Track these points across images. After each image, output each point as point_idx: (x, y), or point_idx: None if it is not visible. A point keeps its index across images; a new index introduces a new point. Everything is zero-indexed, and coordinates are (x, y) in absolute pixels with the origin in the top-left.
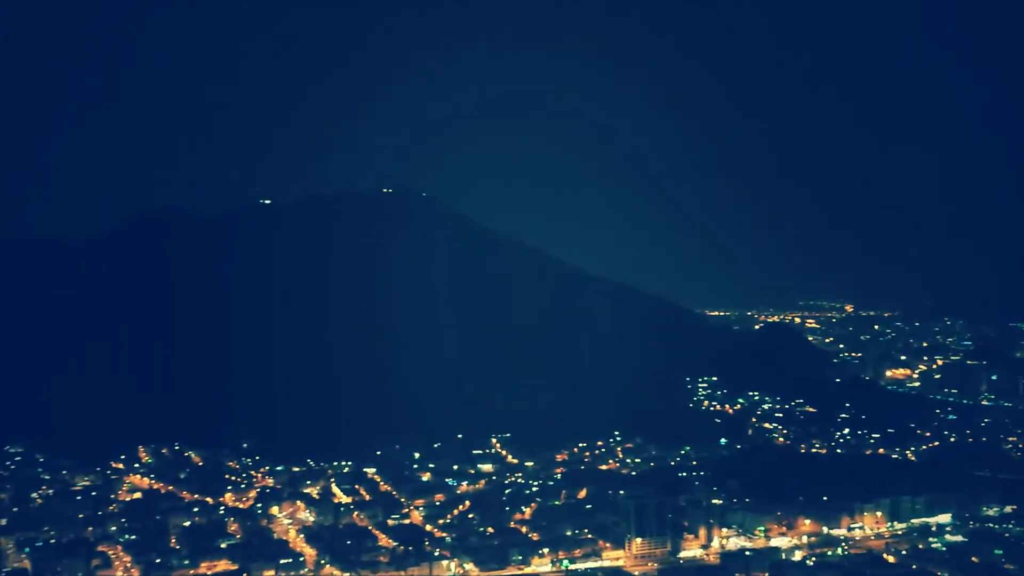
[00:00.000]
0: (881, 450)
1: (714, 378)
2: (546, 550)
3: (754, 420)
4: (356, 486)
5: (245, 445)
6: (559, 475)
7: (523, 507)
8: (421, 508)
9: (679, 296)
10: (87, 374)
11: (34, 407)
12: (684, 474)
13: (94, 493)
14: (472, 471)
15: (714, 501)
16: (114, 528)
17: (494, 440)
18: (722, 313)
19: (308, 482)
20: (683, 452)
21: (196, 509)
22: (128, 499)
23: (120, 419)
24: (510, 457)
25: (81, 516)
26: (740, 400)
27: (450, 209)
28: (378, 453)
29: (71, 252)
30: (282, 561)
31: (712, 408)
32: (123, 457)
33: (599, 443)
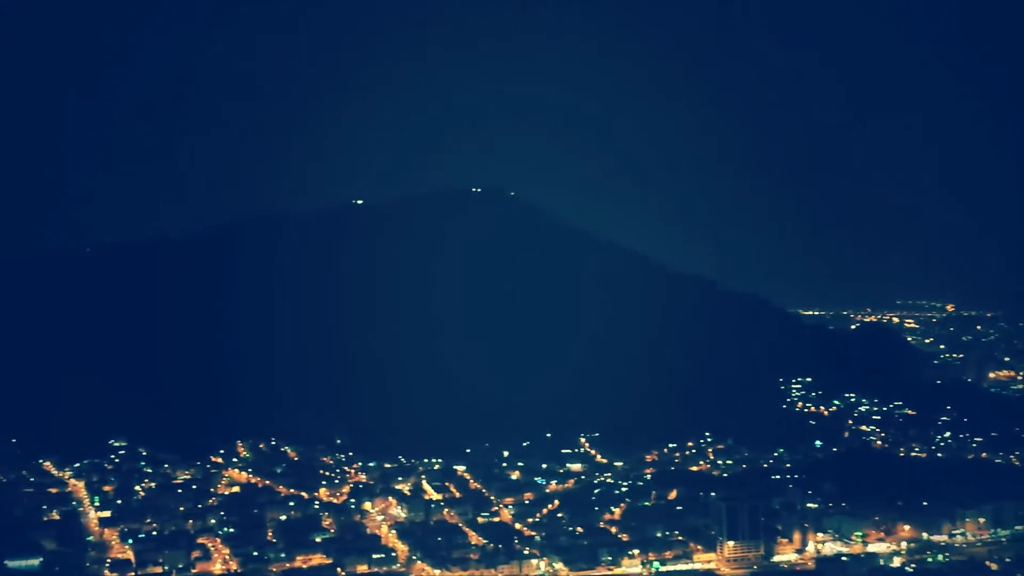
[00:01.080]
0: (984, 454)
1: (808, 379)
2: (636, 551)
3: (851, 422)
4: (446, 483)
5: (339, 441)
6: (649, 476)
7: (612, 507)
8: (510, 506)
9: (772, 294)
10: (188, 370)
11: (137, 402)
12: (777, 477)
13: (194, 486)
14: (561, 470)
15: (809, 505)
16: (213, 521)
17: (583, 439)
18: (817, 312)
19: (400, 478)
20: (776, 454)
21: (292, 503)
22: (227, 493)
23: (219, 414)
24: (599, 457)
25: (182, 509)
26: (836, 402)
27: (538, 208)
28: (468, 451)
29: (175, 251)
30: (374, 556)
31: (807, 410)
32: (222, 451)
33: (689, 444)
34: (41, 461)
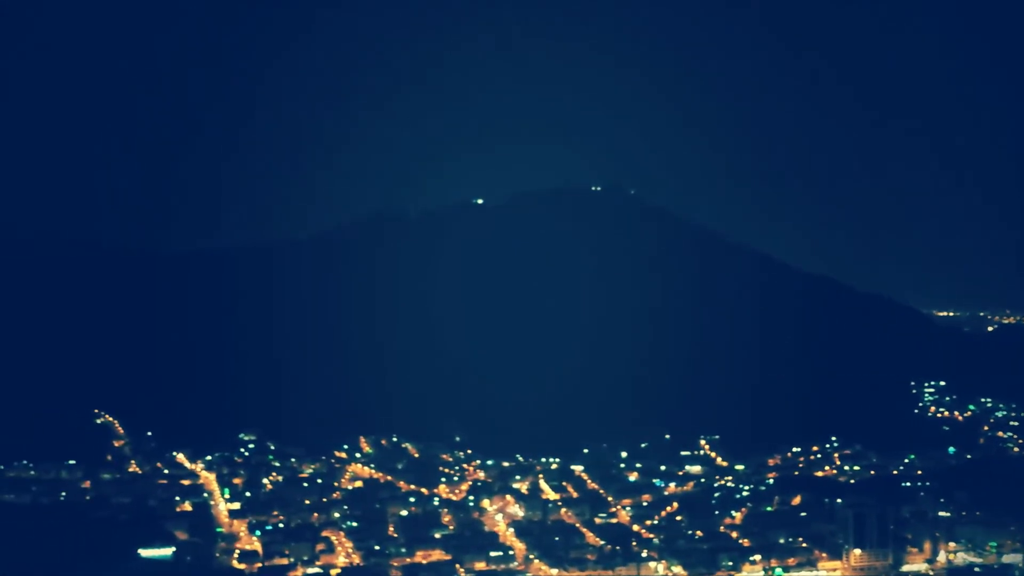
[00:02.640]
0: None
1: (942, 382)
2: (758, 557)
3: (986, 428)
4: (564, 483)
5: (458, 439)
6: (771, 480)
7: (733, 511)
8: (628, 508)
9: (904, 295)
10: (313, 368)
11: (266, 398)
12: (908, 484)
13: (319, 480)
14: (680, 472)
15: (941, 513)
16: (337, 515)
17: (703, 442)
18: (951, 314)
19: (517, 477)
20: (907, 460)
21: (412, 499)
22: (350, 487)
23: (344, 410)
24: (720, 459)
25: (307, 502)
26: (971, 407)
27: (659, 207)
28: (585, 451)
29: (300, 250)
30: (492, 554)
31: (940, 414)
32: (346, 447)
33: (815, 448)
34: (174, 454)
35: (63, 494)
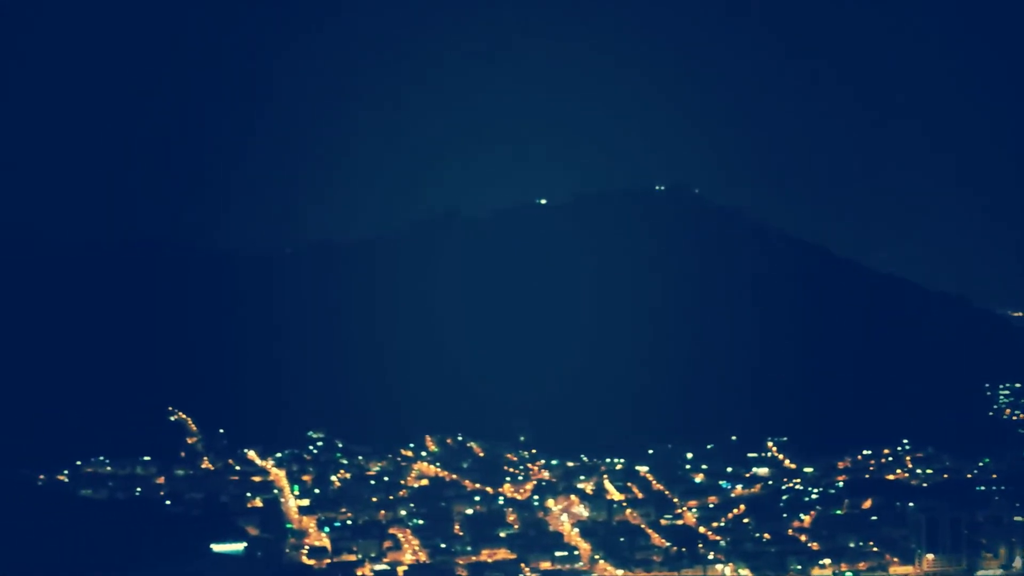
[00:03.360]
0: None
1: (1018, 384)
2: (827, 561)
3: None
4: (629, 484)
5: (522, 439)
6: (841, 483)
7: (801, 515)
8: (694, 509)
9: (979, 295)
10: (380, 366)
11: (333, 396)
12: (982, 488)
13: (386, 478)
14: (747, 474)
15: (1016, 518)
16: (403, 512)
17: (770, 443)
18: None
19: (582, 477)
20: (981, 464)
21: (477, 498)
22: (416, 485)
23: (409, 409)
24: (787, 462)
25: (374, 499)
26: None
27: (726, 207)
28: (650, 452)
29: (369, 249)
30: (558, 554)
31: (1015, 417)
32: (412, 445)
33: (885, 451)
34: (246, 451)
35: (139, 489)
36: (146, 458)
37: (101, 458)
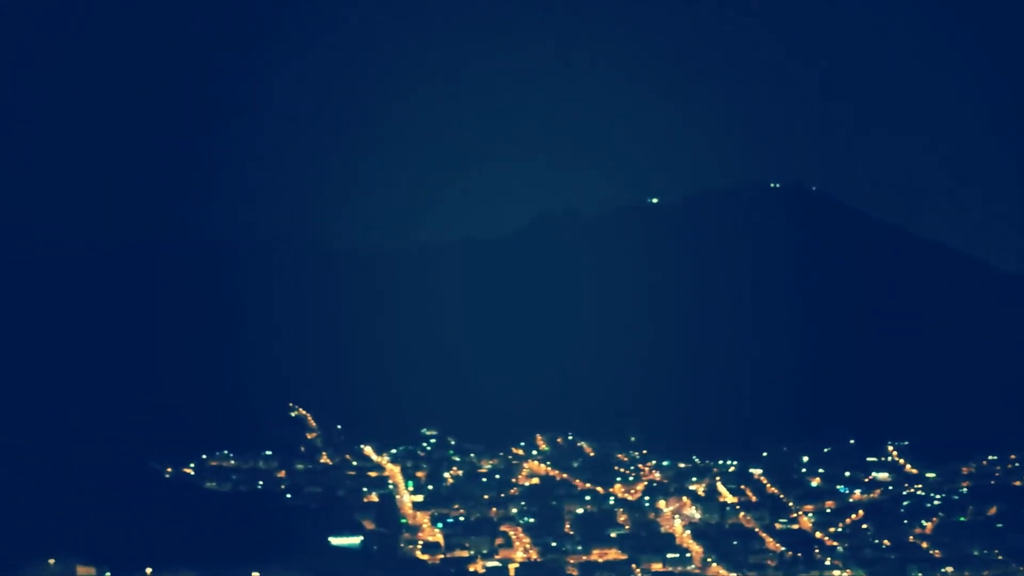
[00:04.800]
0: None
1: None
2: (950, 569)
3: None
4: (742, 486)
5: (633, 439)
6: (965, 489)
7: (923, 521)
8: (810, 514)
9: None
10: (491, 365)
11: (446, 395)
12: None
13: (497, 476)
14: (866, 479)
15: None
16: (515, 510)
17: (890, 447)
18: None
19: (694, 479)
20: None
21: (588, 498)
22: (527, 484)
23: (520, 408)
24: (908, 467)
25: (486, 497)
26: None
27: (845, 204)
28: (764, 454)
29: (484, 249)
30: (669, 555)
31: None
32: (523, 444)
33: (1012, 456)
34: (362, 447)
35: (260, 483)
36: (267, 452)
37: (225, 452)
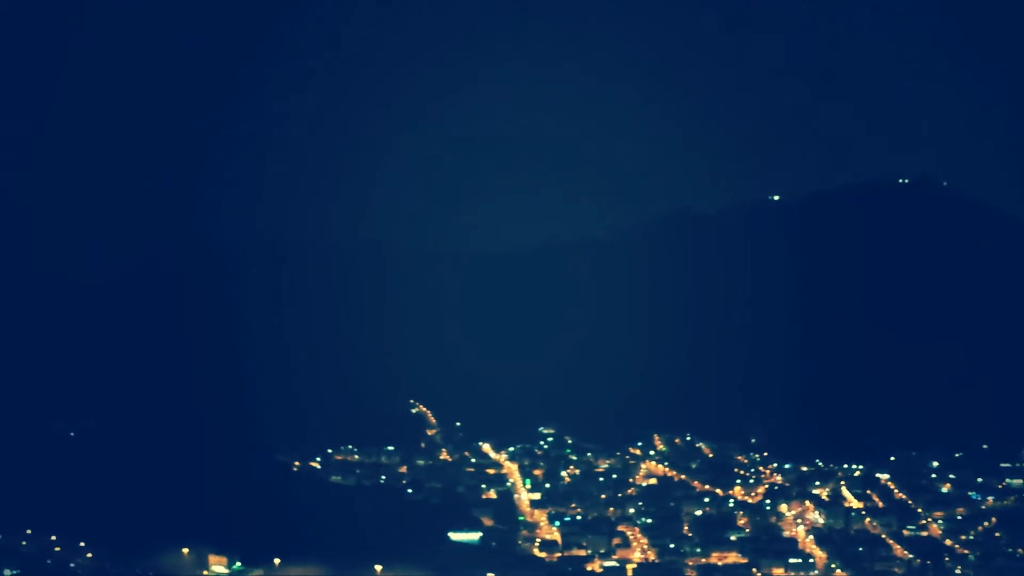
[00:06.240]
0: None
1: None
2: None
3: None
4: (868, 491)
5: (753, 440)
6: None
7: None
8: (940, 521)
9: None
10: (604, 364)
11: (563, 394)
12: None
13: (614, 476)
14: (1000, 485)
15: None
16: (632, 510)
17: None
18: None
19: (817, 483)
20: None
21: (707, 500)
22: (644, 484)
23: (638, 408)
24: None
25: (603, 496)
26: None
27: (979, 201)
28: (892, 459)
29: (601, 249)
30: (791, 560)
31: None
32: (640, 444)
33: None
34: (481, 444)
35: (383, 477)
36: (390, 448)
37: (350, 446)
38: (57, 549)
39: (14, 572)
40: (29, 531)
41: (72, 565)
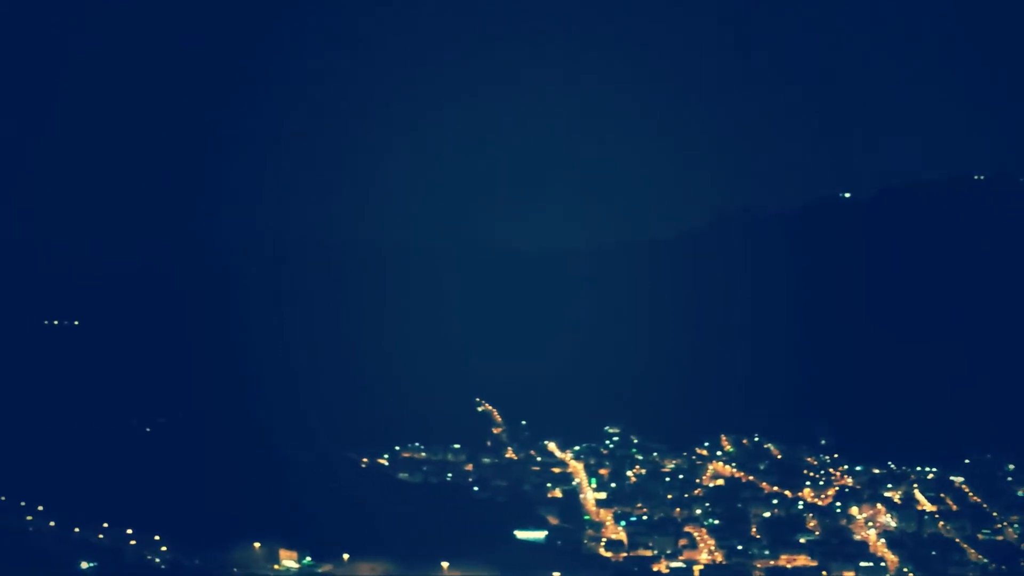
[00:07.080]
0: None
1: None
2: None
3: None
4: (941, 494)
5: (823, 442)
6: None
7: None
8: (1016, 525)
9: None
10: (674, 363)
11: (629, 393)
12: None
13: (680, 476)
14: None
15: None
16: (699, 511)
17: None
18: None
19: (889, 485)
20: None
21: (775, 501)
22: (711, 485)
23: (705, 408)
24: None
25: (669, 497)
26: None
27: None
28: (966, 461)
29: (660, 249)
30: (862, 564)
31: None
32: (707, 444)
33: None
34: (546, 443)
35: (449, 475)
36: (456, 446)
37: (417, 444)
38: (133, 542)
39: (91, 564)
40: (106, 524)
41: (147, 558)
